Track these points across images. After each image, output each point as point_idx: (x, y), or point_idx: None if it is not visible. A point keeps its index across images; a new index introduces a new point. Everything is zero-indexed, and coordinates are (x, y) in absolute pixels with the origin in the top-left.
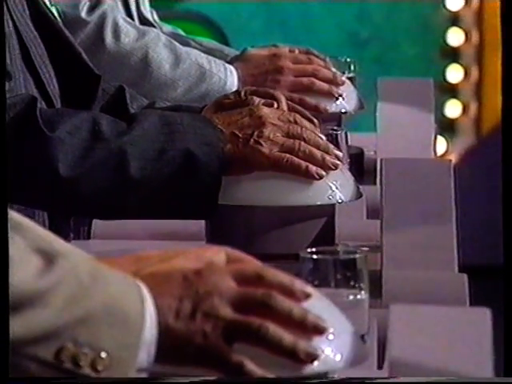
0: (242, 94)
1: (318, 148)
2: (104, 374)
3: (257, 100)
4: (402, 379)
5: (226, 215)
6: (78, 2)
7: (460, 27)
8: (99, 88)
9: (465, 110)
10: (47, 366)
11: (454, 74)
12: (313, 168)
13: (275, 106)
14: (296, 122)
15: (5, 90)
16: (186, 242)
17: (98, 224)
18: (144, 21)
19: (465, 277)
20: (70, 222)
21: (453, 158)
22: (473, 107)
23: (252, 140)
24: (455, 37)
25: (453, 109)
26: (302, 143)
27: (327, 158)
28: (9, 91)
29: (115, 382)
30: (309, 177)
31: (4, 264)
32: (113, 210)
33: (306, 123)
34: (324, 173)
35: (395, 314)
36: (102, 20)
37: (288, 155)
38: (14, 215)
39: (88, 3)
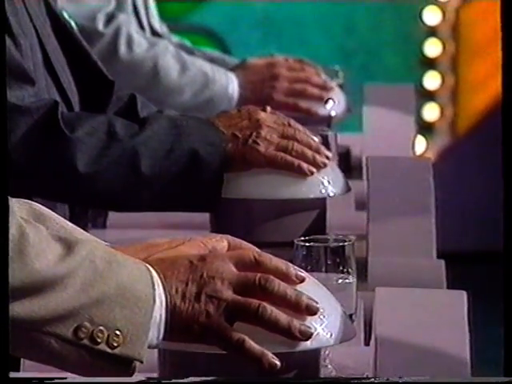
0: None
1: (310, 148)
2: (118, 350)
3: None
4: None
5: (228, 207)
6: (94, 16)
7: (437, 38)
8: (113, 94)
9: (442, 113)
10: (66, 342)
11: (432, 80)
12: (304, 165)
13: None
14: (290, 125)
15: (5, 89)
16: (192, 231)
17: (113, 215)
18: (154, 32)
19: (442, 262)
20: (87, 212)
21: (431, 155)
22: (449, 110)
23: (250, 140)
24: (433, 47)
25: (431, 112)
26: (295, 143)
27: (318, 156)
28: (33, 96)
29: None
30: (301, 172)
31: (4, 265)
32: (126, 204)
33: (298, 126)
34: (315, 170)
35: (380, 296)
36: (117, 32)
37: (282, 154)
38: (37, 206)
39: (104, 17)
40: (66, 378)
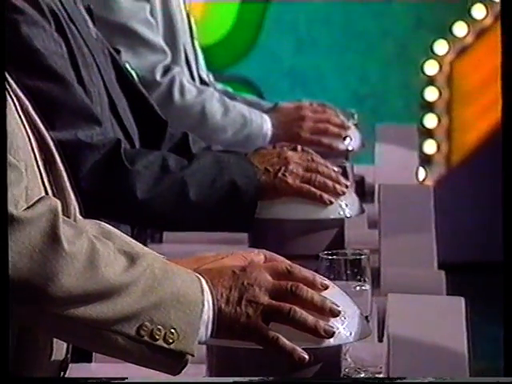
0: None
1: (331, 179)
2: (173, 345)
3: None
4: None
5: (264, 227)
6: (154, 68)
7: (434, 86)
8: (167, 133)
9: (438, 148)
10: (130, 339)
11: (430, 121)
12: (325, 196)
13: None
14: (313, 160)
15: (5, 92)
16: (234, 246)
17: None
18: (202, 81)
19: (442, 273)
20: (146, 230)
21: (430, 183)
22: (444, 146)
23: (280, 174)
24: (431, 94)
25: (429, 147)
26: (318, 175)
27: (337, 185)
28: (100, 134)
29: None
30: (322, 202)
31: (4, 266)
32: (176, 225)
33: (321, 160)
34: (333, 199)
35: (392, 301)
36: (172, 82)
37: (307, 185)
38: (105, 225)
39: (162, 69)
40: (65, 379)
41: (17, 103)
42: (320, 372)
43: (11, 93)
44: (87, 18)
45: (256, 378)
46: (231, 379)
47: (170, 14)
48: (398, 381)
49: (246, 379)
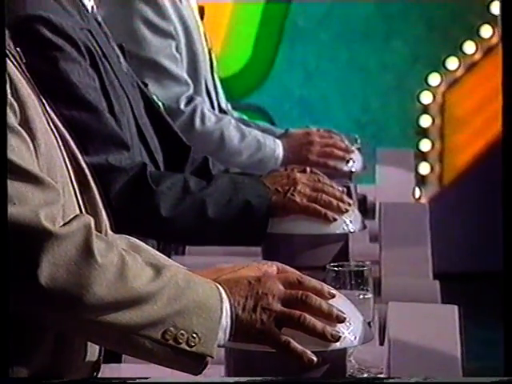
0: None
1: (335, 197)
2: (195, 348)
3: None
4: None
5: (275, 241)
6: (178, 99)
7: (428, 114)
8: (190, 156)
9: (432, 169)
10: (156, 342)
11: (425, 145)
12: (329, 214)
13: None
14: (319, 181)
15: (6, 94)
16: (249, 257)
17: None
18: (221, 109)
19: (437, 283)
20: (170, 244)
21: (424, 201)
22: (437, 168)
23: (289, 194)
24: (425, 121)
25: (424, 169)
26: (324, 195)
27: (341, 204)
28: (128, 159)
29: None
30: (327, 220)
31: (4, 268)
32: (197, 239)
33: (327, 180)
34: (337, 217)
35: (392, 309)
36: (194, 110)
37: (314, 204)
38: (133, 240)
39: (185, 99)
40: (63, 379)
41: (55, 131)
42: (327, 372)
43: (50, 122)
44: (119, 54)
45: (259, 378)
46: (231, 379)
47: (193, 50)
48: (399, 380)
49: (249, 379)
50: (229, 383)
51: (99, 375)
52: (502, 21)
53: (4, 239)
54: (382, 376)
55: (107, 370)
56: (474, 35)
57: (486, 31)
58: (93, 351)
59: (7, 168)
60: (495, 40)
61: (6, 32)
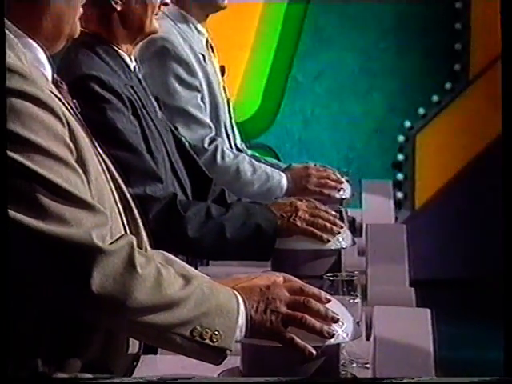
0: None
1: (329, 222)
2: (217, 343)
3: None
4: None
5: (281, 255)
6: (203, 139)
7: (403, 152)
8: (211, 187)
9: (406, 197)
10: (186, 338)
11: (400, 177)
12: (324, 236)
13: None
14: (317, 207)
15: (5, 91)
16: (260, 268)
17: None
18: (237, 148)
19: (412, 290)
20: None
21: (400, 222)
22: (410, 196)
23: (291, 219)
24: (400, 157)
25: (400, 196)
26: (320, 220)
27: (334, 227)
28: (162, 190)
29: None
30: (322, 241)
31: (4, 270)
32: (217, 255)
33: (322, 207)
34: (331, 238)
35: (377, 311)
36: (215, 149)
37: (311, 228)
38: (167, 254)
39: (208, 140)
40: (61, 379)
41: (104, 167)
42: (324, 363)
43: (100, 159)
44: (155, 104)
45: (261, 379)
46: (231, 379)
47: (215, 100)
48: (400, 380)
49: (250, 379)
50: (228, 383)
51: (138, 365)
52: (503, 20)
53: (4, 239)
54: (367, 366)
55: (145, 360)
56: (439, 89)
57: (448, 85)
58: (134, 345)
59: (7, 168)
60: (457, 91)
61: (65, 87)
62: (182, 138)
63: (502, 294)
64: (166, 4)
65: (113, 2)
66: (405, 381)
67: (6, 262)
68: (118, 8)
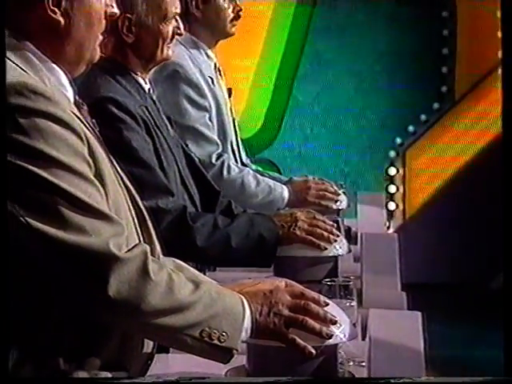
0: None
1: (326, 231)
2: (224, 343)
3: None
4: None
5: (282, 262)
6: (211, 155)
7: (394, 166)
8: (219, 199)
9: (397, 207)
10: (195, 339)
11: (392, 189)
12: (322, 244)
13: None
14: (315, 218)
15: (5, 89)
16: (263, 273)
17: None
18: (242, 163)
19: (404, 293)
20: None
21: (392, 231)
22: (401, 206)
23: (291, 228)
24: (392, 171)
25: (391, 207)
26: (318, 229)
27: (331, 236)
28: (172, 203)
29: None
30: (320, 249)
31: (4, 270)
32: (223, 263)
33: (320, 217)
34: (328, 246)
35: (372, 314)
36: (222, 164)
37: (309, 237)
38: (178, 261)
39: (216, 155)
40: (60, 379)
41: (120, 181)
42: (323, 362)
43: (116, 174)
44: (167, 123)
45: (261, 379)
46: (232, 379)
47: (222, 119)
48: (401, 380)
49: (258, 379)
50: (228, 382)
51: (152, 363)
52: (502, 21)
53: (4, 239)
54: (363, 364)
55: (158, 358)
56: (428, 108)
57: (436, 105)
58: (148, 346)
59: (7, 168)
60: (443, 111)
61: (86, 107)
62: (192, 154)
63: (502, 294)
64: (180, 34)
65: (124, 36)
66: (402, 381)
67: (5, 262)
68: (129, 41)
